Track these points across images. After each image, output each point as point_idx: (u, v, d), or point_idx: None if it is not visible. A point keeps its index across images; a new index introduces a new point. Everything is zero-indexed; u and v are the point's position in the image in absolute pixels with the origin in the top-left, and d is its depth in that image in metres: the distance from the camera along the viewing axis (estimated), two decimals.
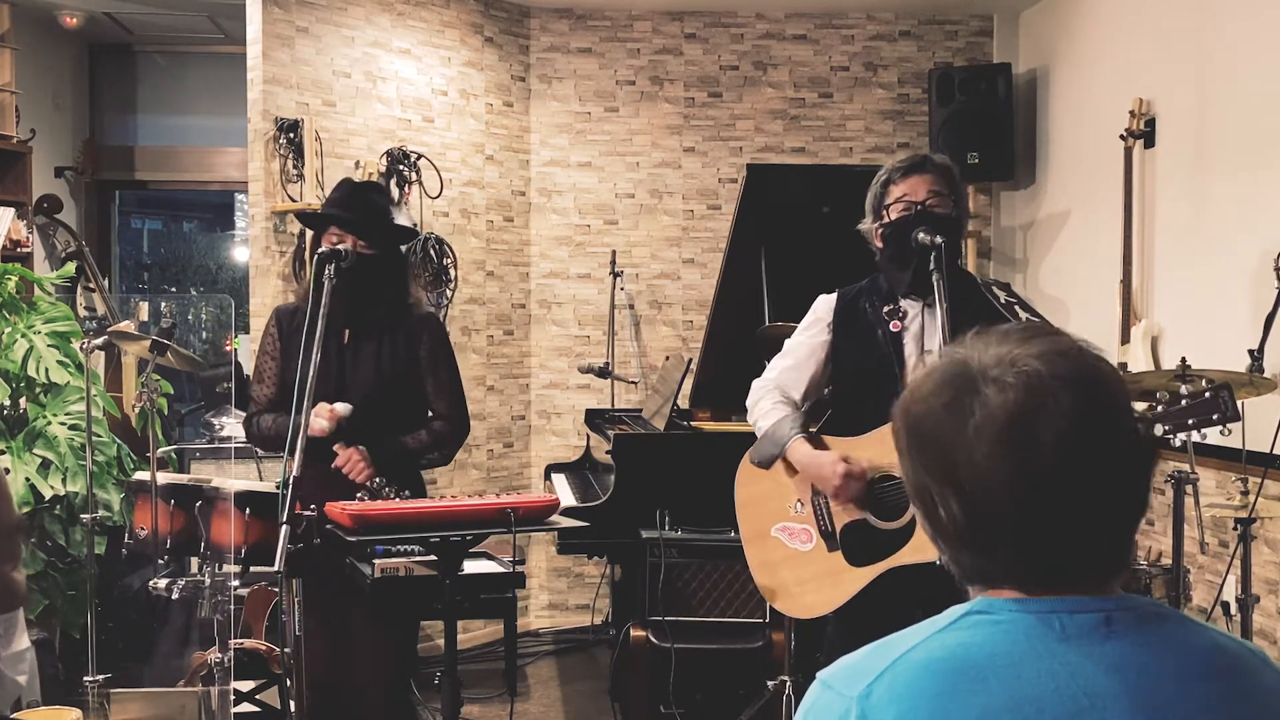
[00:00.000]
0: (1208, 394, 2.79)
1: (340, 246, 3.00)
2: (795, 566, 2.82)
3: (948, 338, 2.51)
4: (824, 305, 2.90)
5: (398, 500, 3.01)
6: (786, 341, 2.95)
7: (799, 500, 2.82)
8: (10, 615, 1.01)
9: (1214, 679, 1.05)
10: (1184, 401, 2.78)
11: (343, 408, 3.07)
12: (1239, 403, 3.30)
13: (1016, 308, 2.63)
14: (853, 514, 2.73)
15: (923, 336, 2.74)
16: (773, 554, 2.86)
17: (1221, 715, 1.04)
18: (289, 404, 2.99)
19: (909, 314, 2.75)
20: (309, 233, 4.75)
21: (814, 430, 2.84)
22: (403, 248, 3.30)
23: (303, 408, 2.78)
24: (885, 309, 2.77)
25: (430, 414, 3.28)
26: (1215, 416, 2.77)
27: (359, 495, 3.02)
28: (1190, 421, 2.76)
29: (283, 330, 3.26)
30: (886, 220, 2.74)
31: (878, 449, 2.69)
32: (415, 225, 4.09)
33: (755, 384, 2.93)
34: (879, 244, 2.78)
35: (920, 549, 2.61)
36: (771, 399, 2.86)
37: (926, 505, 1.10)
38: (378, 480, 3.04)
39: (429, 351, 3.24)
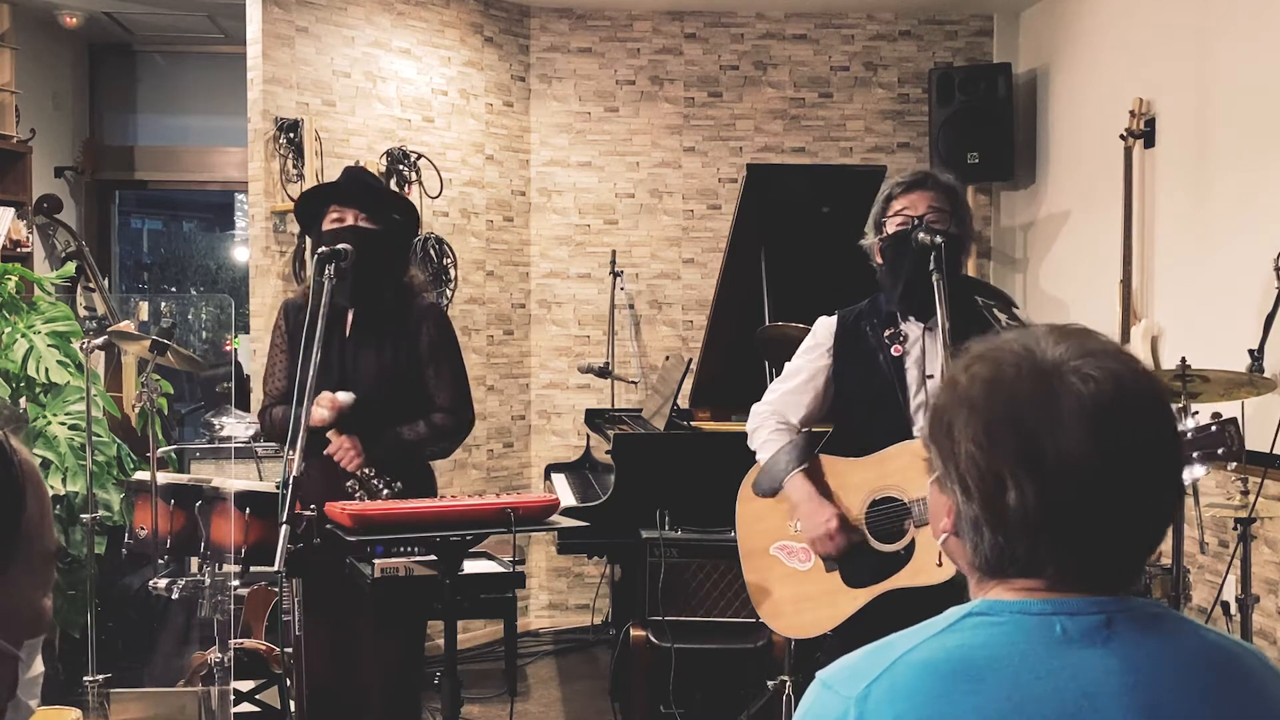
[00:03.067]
0: (1214, 427, 2.78)
1: (341, 246, 3.00)
2: (793, 585, 2.81)
3: (948, 340, 2.50)
4: (824, 329, 2.87)
5: (389, 492, 3.02)
6: (787, 365, 2.95)
7: (799, 519, 2.81)
8: (33, 640, 1.00)
9: (1213, 681, 1.05)
10: (1190, 434, 2.77)
11: (345, 397, 3.07)
12: (1238, 403, 3.31)
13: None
14: (852, 535, 2.73)
15: (924, 360, 2.72)
16: (771, 572, 2.86)
17: (1220, 717, 1.04)
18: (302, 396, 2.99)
19: (910, 337, 2.74)
20: None
21: (816, 450, 2.82)
22: (408, 231, 3.29)
23: (302, 406, 2.78)
24: (886, 333, 2.75)
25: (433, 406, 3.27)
26: (1221, 451, 2.76)
27: (349, 484, 3.02)
28: (1195, 455, 2.76)
29: (290, 324, 3.27)
30: (885, 234, 2.73)
31: (878, 470, 2.69)
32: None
33: (755, 409, 2.93)
34: (879, 259, 2.78)
35: (917, 573, 2.60)
36: (769, 427, 2.85)
37: (990, 489, 1.06)
38: (367, 470, 3.03)
39: (429, 343, 3.22)
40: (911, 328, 2.75)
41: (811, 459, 2.78)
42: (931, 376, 2.70)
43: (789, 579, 2.81)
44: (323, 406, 3.03)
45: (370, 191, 3.21)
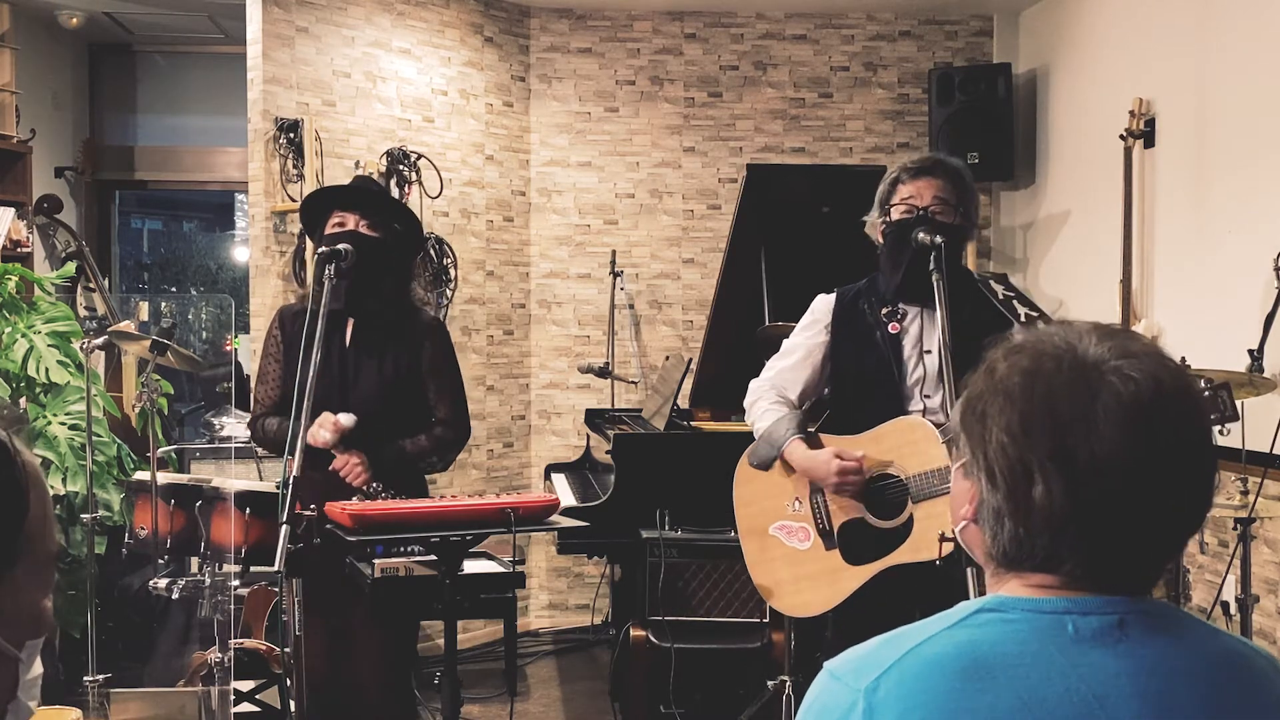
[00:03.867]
0: (1206, 393, 2.79)
1: (341, 246, 2.99)
2: (792, 564, 2.82)
3: (948, 339, 2.51)
4: (822, 306, 2.89)
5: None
6: (785, 341, 2.95)
7: (797, 498, 2.82)
8: (34, 641, 1.01)
9: (1225, 683, 1.05)
10: None
11: (346, 419, 3.05)
12: (1239, 403, 3.31)
13: (1015, 302, 2.62)
14: (850, 512, 2.73)
15: (921, 338, 2.73)
16: (770, 552, 2.86)
17: (1231, 719, 1.03)
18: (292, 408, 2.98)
19: (908, 315, 2.75)
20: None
21: (812, 430, 2.84)
22: (410, 242, 3.30)
23: (302, 409, 2.77)
24: (884, 311, 2.76)
25: (432, 419, 3.27)
26: (1214, 416, 2.77)
27: (354, 499, 3.02)
28: None
29: (285, 332, 3.24)
30: (888, 220, 2.74)
31: (876, 447, 2.70)
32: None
33: (752, 384, 2.93)
34: (880, 239, 2.79)
35: (917, 548, 2.61)
36: (768, 399, 2.86)
37: (1018, 482, 1.05)
38: (374, 485, 3.04)
39: (431, 357, 3.21)
40: (909, 306, 2.76)
41: (809, 433, 2.79)
42: (929, 352, 2.71)
43: (789, 558, 2.82)
44: (325, 429, 3.02)
45: (373, 198, 3.21)
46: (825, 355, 2.85)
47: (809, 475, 2.75)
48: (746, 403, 2.92)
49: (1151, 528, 1.06)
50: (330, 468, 3.07)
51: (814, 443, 2.77)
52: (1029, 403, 1.06)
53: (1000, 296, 2.60)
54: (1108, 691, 1.02)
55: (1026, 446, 1.05)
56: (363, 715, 3.17)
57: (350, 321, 3.18)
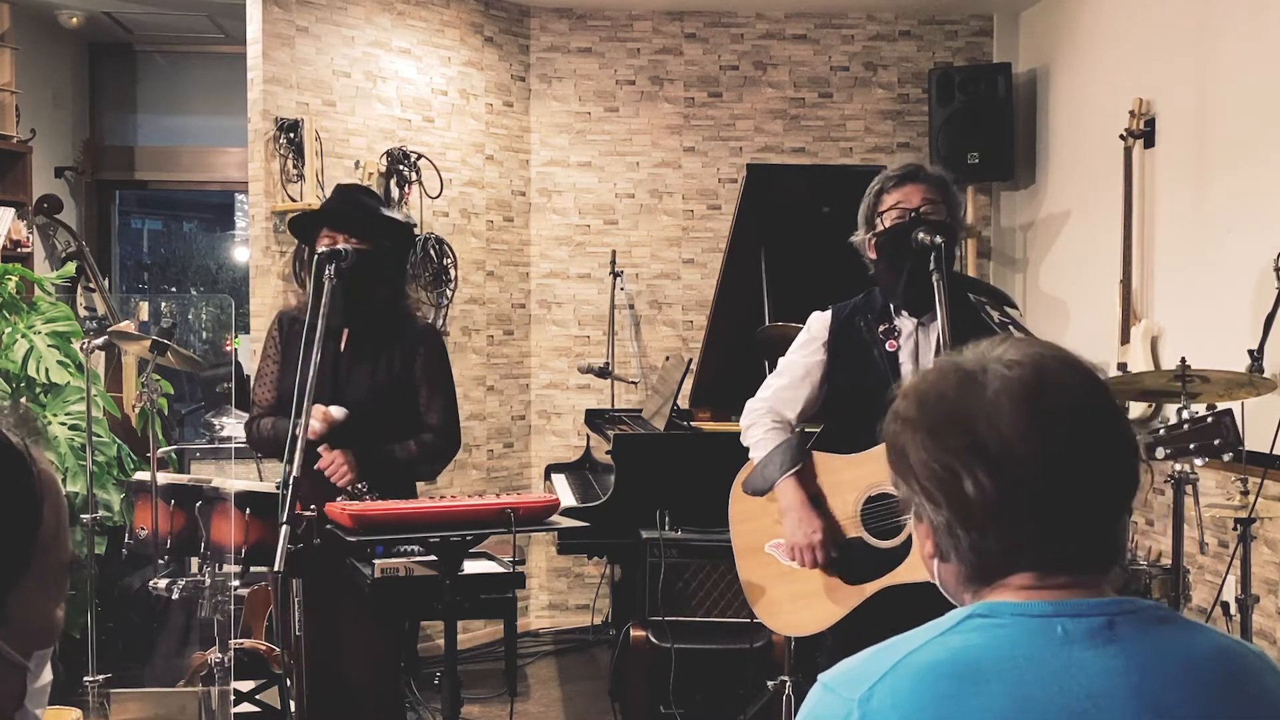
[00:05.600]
0: (1210, 419, 2.77)
1: (341, 247, 3.00)
2: (788, 583, 2.80)
3: (948, 339, 2.49)
4: (819, 324, 2.86)
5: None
6: (781, 360, 2.93)
7: (785, 524, 2.80)
8: (43, 651, 1.01)
9: (1217, 682, 1.05)
10: (1186, 426, 2.77)
11: (337, 411, 3.06)
12: (1238, 403, 3.31)
13: (1010, 327, 2.61)
14: (848, 531, 2.72)
15: (918, 354, 2.71)
16: (765, 570, 2.85)
17: (1224, 718, 1.04)
18: (288, 409, 2.99)
19: (904, 332, 2.73)
20: None
21: (808, 446, 2.81)
22: (402, 249, 3.30)
23: (303, 409, 2.77)
24: (880, 328, 2.74)
25: (423, 426, 3.27)
26: (1218, 443, 2.75)
27: (339, 500, 3.02)
28: (1192, 446, 2.75)
29: (283, 334, 3.26)
30: (880, 228, 2.72)
31: (873, 467, 2.68)
32: (409, 220, 4.06)
33: (749, 405, 2.91)
34: (873, 254, 2.76)
35: (915, 568, 2.59)
36: (764, 426, 2.83)
37: (950, 488, 1.09)
38: (359, 486, 3.04)
39: (424, 364, 3.23)
40: (905, 323, 2.74)
41: (805, 460, 2.77)
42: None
43: (785, 576, 2.80)
44: (314, 419, 3.01)
45: (357, 217, 3.18)
46: (823, 374, 2.82)
47: (787, 524, 2.73)
48: (743, 424, 2.90)
49: (1081, 493, 1.08)
50: (315, 467, 3.06)
51: (808, 473, 2.75)
52: (929, 415, 1.12)
53: (998, 320, 2.57)
54: (1100, 691, 1.02)
55: (943, 454, 1.09)
56: (358, 713, 3.17)
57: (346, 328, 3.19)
